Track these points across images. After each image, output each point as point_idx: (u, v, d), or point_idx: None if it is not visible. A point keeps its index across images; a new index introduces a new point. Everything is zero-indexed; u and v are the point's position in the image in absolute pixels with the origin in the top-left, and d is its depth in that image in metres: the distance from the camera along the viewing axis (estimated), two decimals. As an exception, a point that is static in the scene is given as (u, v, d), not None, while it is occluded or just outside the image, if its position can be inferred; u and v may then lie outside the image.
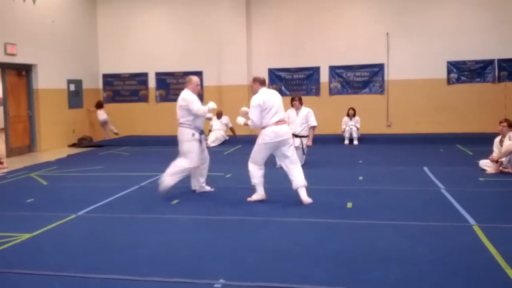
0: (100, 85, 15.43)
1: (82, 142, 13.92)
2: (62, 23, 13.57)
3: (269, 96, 6.15)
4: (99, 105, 14.48)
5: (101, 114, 14.37)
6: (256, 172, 6.26)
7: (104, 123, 14.44)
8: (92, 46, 15.10)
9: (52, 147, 13.01)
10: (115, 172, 8.90)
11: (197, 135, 6.62)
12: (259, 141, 6.20)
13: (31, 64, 12.48)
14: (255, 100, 6.15)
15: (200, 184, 6.90)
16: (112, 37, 15.18)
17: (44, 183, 8.07)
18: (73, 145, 13.70)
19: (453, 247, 4.43)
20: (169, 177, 6.57)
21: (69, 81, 13.90)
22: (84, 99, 14.59)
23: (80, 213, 5.93)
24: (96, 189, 7.36)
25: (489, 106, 13.24)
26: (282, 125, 6.18)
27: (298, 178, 6.12)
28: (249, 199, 6.31)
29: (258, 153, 6.23)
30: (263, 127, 6.16)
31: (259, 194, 6.32)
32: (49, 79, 12.94)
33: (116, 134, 14.42)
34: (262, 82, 6.28)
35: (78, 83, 14.30)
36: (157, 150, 12.31)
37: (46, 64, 12.81)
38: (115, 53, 15.18)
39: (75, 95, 14.16)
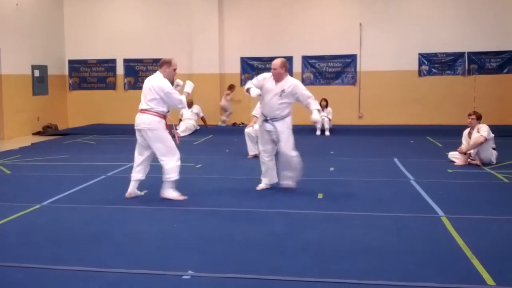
0: (66, 71, 14.99)
1: (47, 130, 13.53)
2: (26, 6, 13.07)
3: (145, 82, 5.93)
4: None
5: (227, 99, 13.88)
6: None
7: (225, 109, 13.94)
8: (58, 31, 14.62)
9: (16, 135, 12.59)
10: (81, 162, 8.67)
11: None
12: None
13: (-7, 49, 12.03)
14: None
15: None
16: (79, 22, 14.71)
17: (7, 172, 7.82)
18: (38, 133, 13.32)
19: (421, 238, 4.48)
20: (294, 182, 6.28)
21: (34, 67, 13.43)
22: (49, 86, 14.14)
23: (44, 203, 5.76)
24: (61, 179, 7.16)
25: (459, 98, 13.45)
26: (142, 114, 5.90)
27: (167, 172, 5.75)
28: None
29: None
30: None
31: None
32: (12, 64, 12.47)
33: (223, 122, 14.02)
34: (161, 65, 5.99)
35: (43, 68, 13.83)
36: (125, 139, 12.04)
37: (10, 48, 12.33)
38: (82, 38, 14.74)
39: (40, 81, 13.71)
